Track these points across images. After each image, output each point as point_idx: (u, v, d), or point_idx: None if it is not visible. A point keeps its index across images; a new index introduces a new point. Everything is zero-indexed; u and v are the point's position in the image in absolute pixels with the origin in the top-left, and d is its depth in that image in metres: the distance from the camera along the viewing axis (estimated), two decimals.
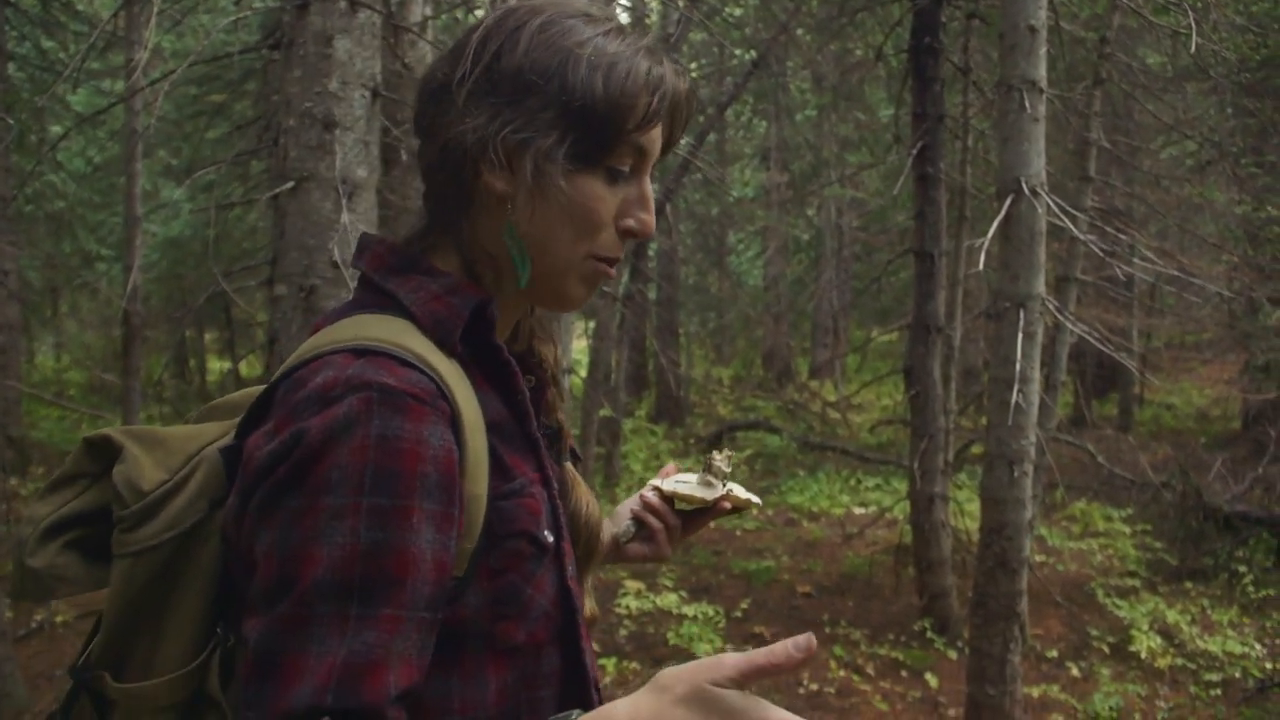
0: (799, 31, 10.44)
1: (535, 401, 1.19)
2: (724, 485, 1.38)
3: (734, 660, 0.88)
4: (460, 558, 0.98)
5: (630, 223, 1.11)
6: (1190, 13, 5.42)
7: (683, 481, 1.40)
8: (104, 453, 1.10)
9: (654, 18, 12.80)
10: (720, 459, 1.38)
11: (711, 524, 1.46)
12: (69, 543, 1.08)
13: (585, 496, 1.23)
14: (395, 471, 0.91)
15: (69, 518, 1.09)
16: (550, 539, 1.07)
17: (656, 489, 1.40)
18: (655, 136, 1.11)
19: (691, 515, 1.42)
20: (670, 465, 1.46)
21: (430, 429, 0.94)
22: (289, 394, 0.96)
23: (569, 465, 1.25)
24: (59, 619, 6.68)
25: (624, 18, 11.77)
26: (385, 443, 0.91)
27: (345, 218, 3.45)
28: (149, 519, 1.02)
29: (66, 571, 1.07)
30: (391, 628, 0.90)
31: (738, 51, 13.43)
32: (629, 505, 1.44)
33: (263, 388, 1.09)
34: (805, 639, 0.88)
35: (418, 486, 0.92)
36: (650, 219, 1.12)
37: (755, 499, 1.41)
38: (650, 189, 1.13)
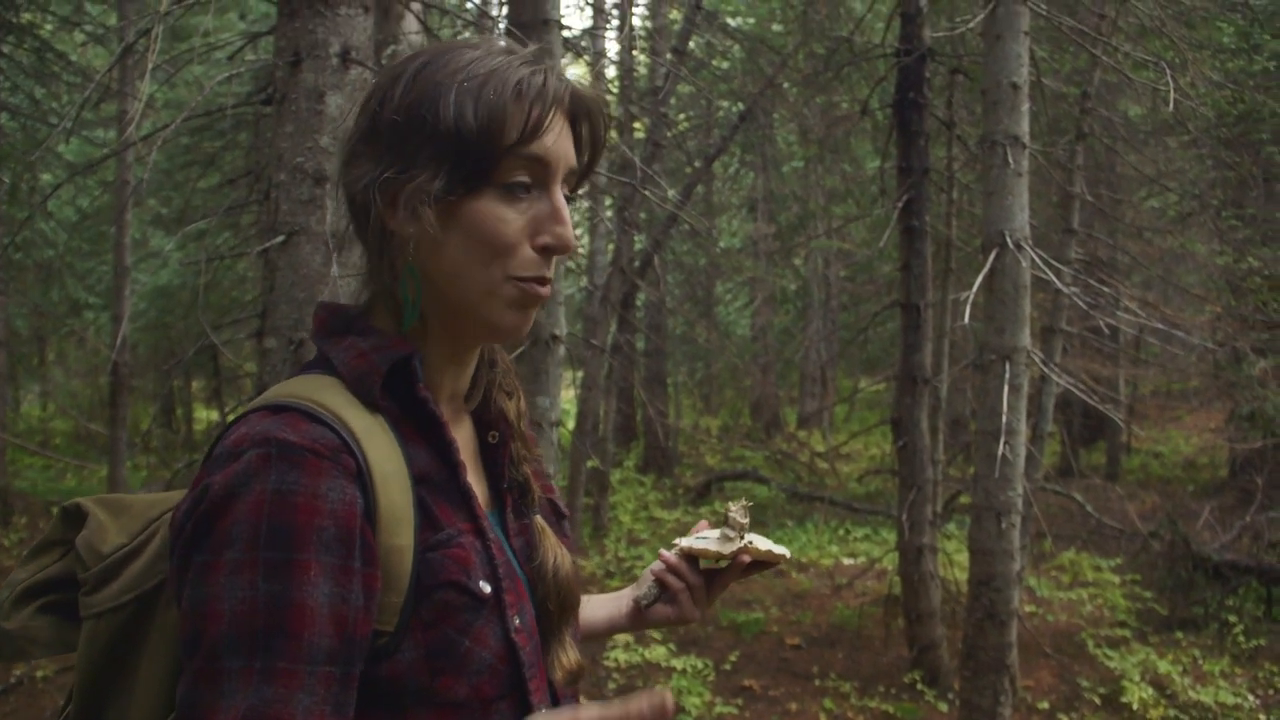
0: (785, 85, 10.59)
1: (498, 455, 1.20)
2: (742, 538, 1.33)
3: (591, 713, 0.94)
4: (389, 611, 0.99)
5: (545, 239, 1.09)
6: (1167, 69, 5.52)
7: (703, 537, 1.36)
8: (77, 520, 1.15)
9: (642, 69, 12.95)
10: (736, 510, 1.34)
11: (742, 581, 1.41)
12: (43, 606, 1.12)
13: (554, 549, 1.20)
14: (290, 526, 0.92)
15: (43, 582, 1.13)
16: (487, 589, 1.06)
17: (679, 547, 1.37)
18: (556, 145, 1.08)
19: (718, 574, 1.37)
20: (703, 522, 1.42)
21: (328, 483, 0.95)
22: (211, 450, 1.00)
23: (538, 519, 1.22)
24: (40, 674, 6.60)
25: (611, 71, 11.90)
26: (280, 497, 0.92)
27: (335, 271, 3.46)
28: (109, 581, 1.06)
29: (39, 634, 1.11)
30: (290, 681, 0.90)
31: (725, 104, 13.60)
32: (652, 567, 1.41)
33: None
34: (660, 698, 0.92)
35: (313, 540, 0.92)
36: (565, 231, 1.09)
37: (780, 550, 1.35)
38: (562, 201, 1.10)
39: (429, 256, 1.07)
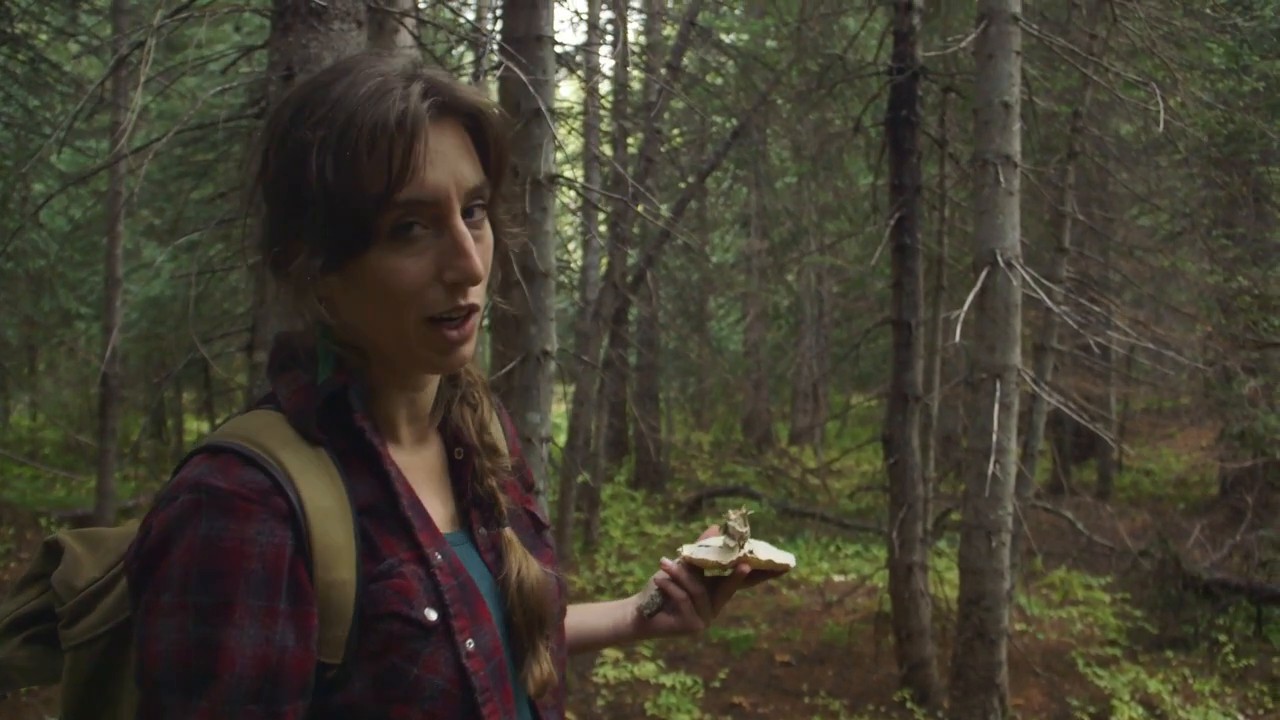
0: (778, 101, 10.62)
1: (463, 470, 1.20)
2: (742, 547, 1.32)
3: None
4: (334, 644, 1.00)
5: (451, 274, 1.04)
6: (1158, 89, 5.55)
7: (705, 546, 1.36)
8: (56, 555, 1.19)
9: (635, 85, 12.99)
10: (735, 518, 1.33)
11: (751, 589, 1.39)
12: (28, 638, 1.17)
13: (519, 561, 1.19)
14: (218, 571, 0.95)
15: (27, 615, 1.18)
16: (432, 617, 1.05)
17: (681, 556, 1.36)
18: (436, 176, 1.02)
19: (721, 583, 1.37)
20: (712, 527, 1.41)
21: (257, 527, 0.97)
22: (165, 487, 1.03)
23: (506, 531, 1.21)
24: (24, 690, 6.55)
25: (605, 86, 11.95)
26: (208, 544, 0.95)
27: None
28: (84, 615, 1.10)
29: (24, 665, 1.16)
30: None
31: (718, 119, 13.64)
32: (655, 576, 1.41)
33: None
34: None
35: (240, 584, 0.95)
36: (468, 262, 1.03)
37: (784, 558, 1.34)
38: (461, 231, 1.04)
39: (339, 312, 1.08)
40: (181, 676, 0.93)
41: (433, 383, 1.19)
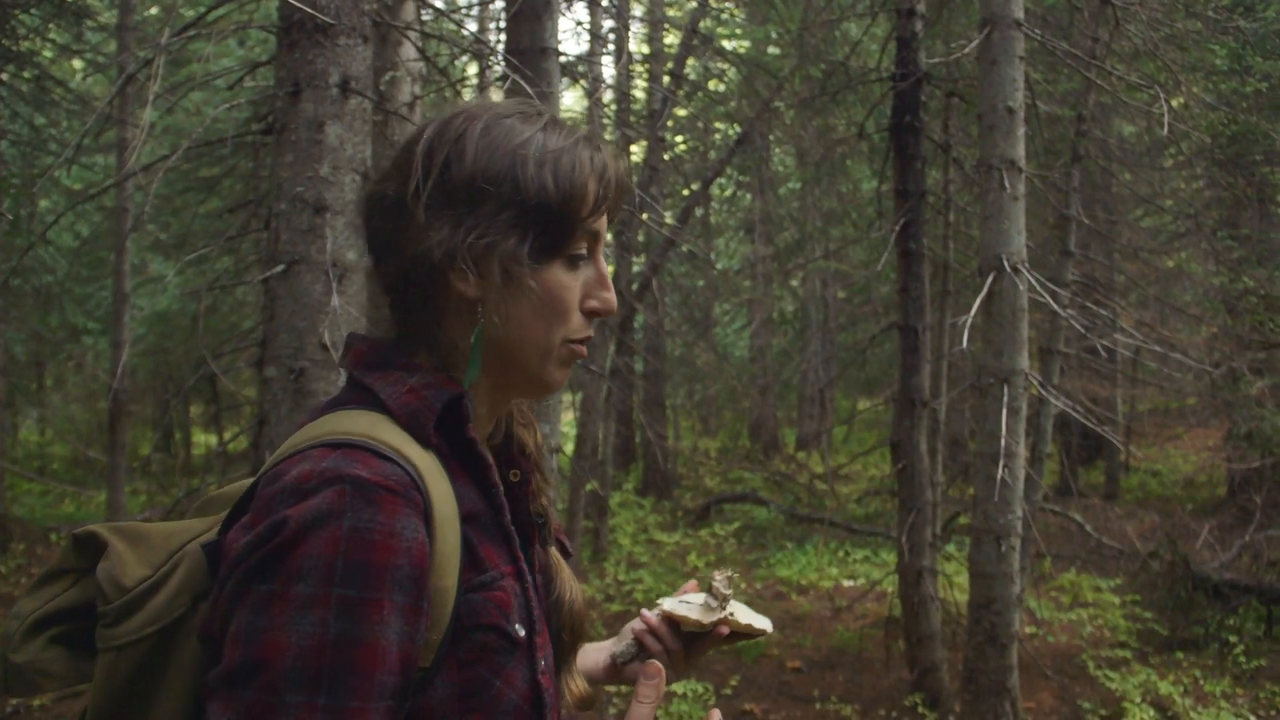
0: (782, 108, 10.64)
1: (522, 491, 1.21)
2: (723, 608, 1.34)
3: None
4: (428, 648, 0.99)
5: (594, 303, 1.16)
6: (1161, 92, 5.56)
7: (686, 602, 1.37)
8: (90, 549, 1.12)
9: (639, 93, 13.02)
10: (720, 580, 1.34)
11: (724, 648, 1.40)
12: (54, 637, 1.09)
13: (569, 584, 1.23)
14: (367, 564, 0.92)
15: (55, 613, 1.10)
16: (521, 633, 1.08)
17: (661, 610, 1.37)
18: (604, 219, 1.16)
19: (696, 638, 1.38)
20: (692, 583, 1.43)
21: (403, 522, 0.95)
22: (266, 488, 0.99)
23: (553, 551, 1.25)
24: (36, 702, 6.56)
25: (608, 95, 11.96)
26: (358, 535, 0.92)
27: (335, 301, 3.48)
28: (131, 614, 1.03)
29: (51, 666, 1.08)
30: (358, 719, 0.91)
31: (721, 126, 13.67)
32: (632, 625, 1.42)
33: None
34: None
35: (388, 579, 0.93)
36: (611, 296, 1.17)
37: (762, 623, 1.36)
38: (605, 267, 1.18)
39: (494, 319, 1.11)
40: (314, 673, 0.89)
41: (505, 410, 1.24)
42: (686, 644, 1.39)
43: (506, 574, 1.09)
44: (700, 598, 1.37)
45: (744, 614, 1.35)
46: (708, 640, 1.37)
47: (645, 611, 1.40)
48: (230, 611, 0.94)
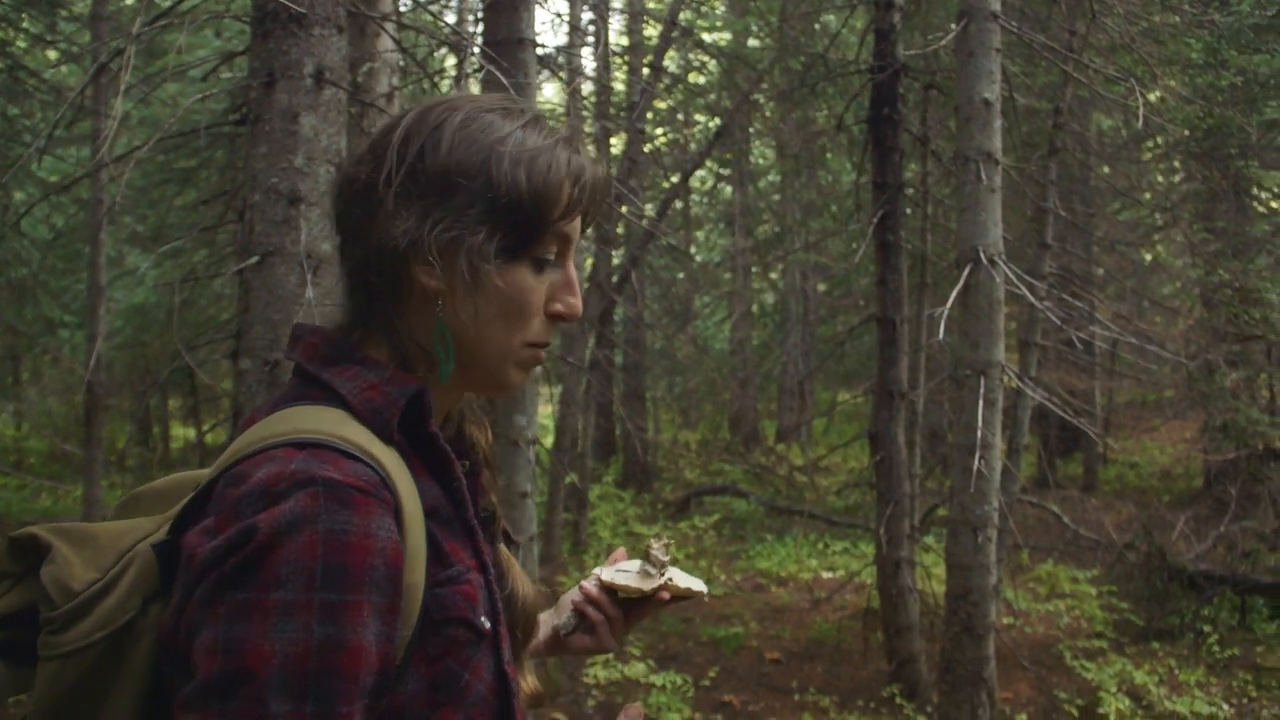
0: (761, 100, 10.65)
1: (471, 486, 1.19)
2: (662, 574, 1.36)
3: None
4: (399, 646, 0.98)
5: (559, 307, 1.14)
6: (1137, 85, 5.58)
7: (623, 570, 1.38)
8: (29, 551, 1.06)
9: (618, 85, 13.00)
10: (658, 547, 1.36)
11: (664, 612, 1.43)
12: None
13: (520, 578, 1.23)
14: (345, 566, 0.91)
15: None
16: (487, 625, 1.07)
17: (598, 579, 1.39)
18: (576, 223, 1.13)
19: (634, 605, 1.39)
20: (620, 550, 1.45)
21: (377, 522, 0.94)
22: (229, 489, 0.95)
23: (502, 547, 1.24)
24: None
25: (587, 87, 11.94)
26: (334, 538, 0.91)
27: (310, 293, 3.46)
28: (79, 619, 0.99)
29: None
30: None
31: (701, 119, 13.67)
32: (571, 596, 1.43)
33: (192, 474, 1.11)
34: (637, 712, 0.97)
35: (367, 580, 0.92)
36: (577, 302, 1.15)
37: (699, 586, 1.38)
38: (574, 272, 1.16)
39: (454, 314, 1.09)
40: (297, 679, 0.88)
41: (458, 404, 1.23)
42: (625, 611, 1.40)
43: (471, 568, 1.09)
44: (635, 564, 1.39)
45: (681, 578, 1.38)
46: (647, 605, 1.39)
47: (584, 583, 1.40)
48: (200, 621, 0.91)
